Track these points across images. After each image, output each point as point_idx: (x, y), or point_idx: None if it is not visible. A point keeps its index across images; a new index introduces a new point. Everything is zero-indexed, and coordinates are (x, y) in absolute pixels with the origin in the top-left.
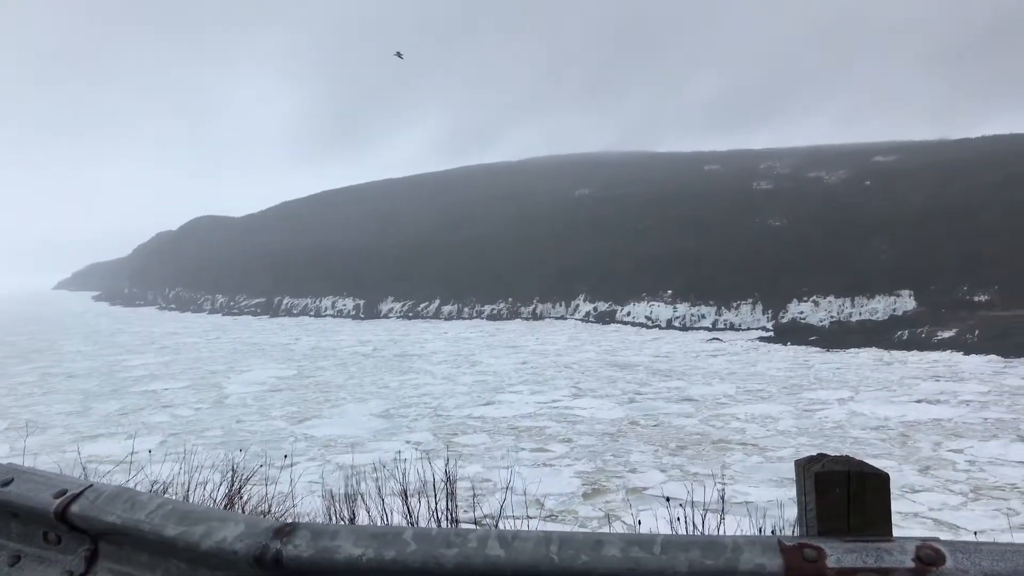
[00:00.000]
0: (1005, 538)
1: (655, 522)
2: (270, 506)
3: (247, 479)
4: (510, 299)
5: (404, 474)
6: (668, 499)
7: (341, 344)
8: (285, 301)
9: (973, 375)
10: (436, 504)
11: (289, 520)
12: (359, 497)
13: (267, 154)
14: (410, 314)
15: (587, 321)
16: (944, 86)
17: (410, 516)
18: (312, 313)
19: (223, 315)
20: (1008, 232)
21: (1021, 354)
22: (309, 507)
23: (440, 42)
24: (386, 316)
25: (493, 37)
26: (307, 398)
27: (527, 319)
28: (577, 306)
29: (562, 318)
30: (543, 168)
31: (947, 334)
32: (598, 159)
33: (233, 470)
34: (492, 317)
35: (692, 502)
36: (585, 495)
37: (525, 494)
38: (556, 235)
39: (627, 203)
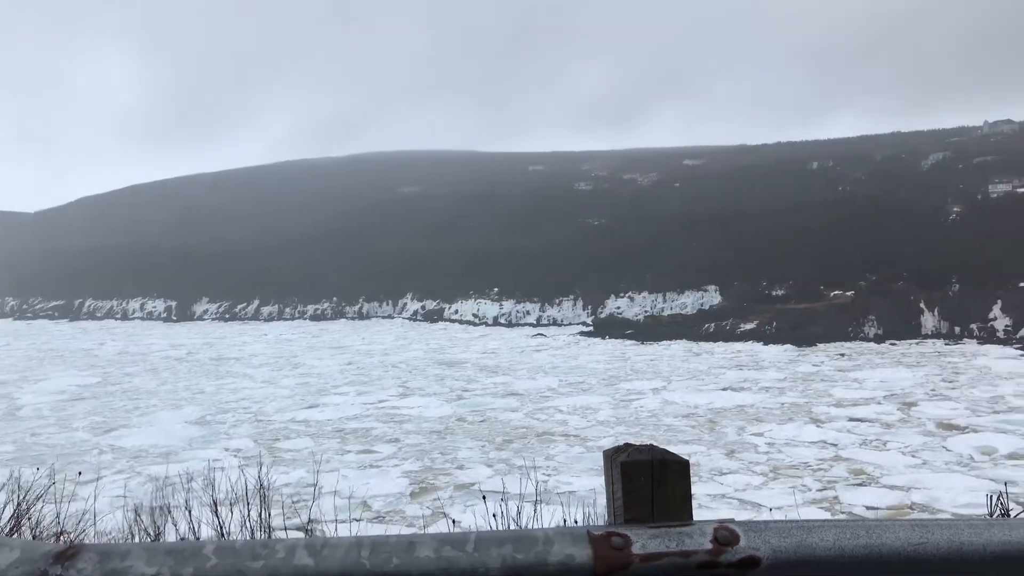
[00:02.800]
0: (806, 512)
1: (477, 519)
2: (62, 527)
3: (37, 498)
4: (335, 299)
5: (214, 483)
6: (484, 496)
7: (152, 348)
8: (88, 304)
9: (772, 363)
10: (249, 513)
11: (81, 541)
12: (166, 511)
13: (108, 140)
14: (227, 316)
15: (415, 320)
16: (815, 86)
17: (220, 528)
18: (119, 316)
19: (15, 319)
20: (801, 231)
21: (813, 343)
22: (111, 525)
23: (316, 24)
24: (201, 318)
25: (377, 20)
26: (114, 406)
27: (353, 319)
28: (404, 305)
29: (389, 317)
30: (370, 165)
31: (749, 326)
32: (426, 157)
33: (19, 488)
34: (316, 317)
35: (510, 495)
36: (413, 494)
37: (351, 497)
38: (382, 233)
39: (455, 201)
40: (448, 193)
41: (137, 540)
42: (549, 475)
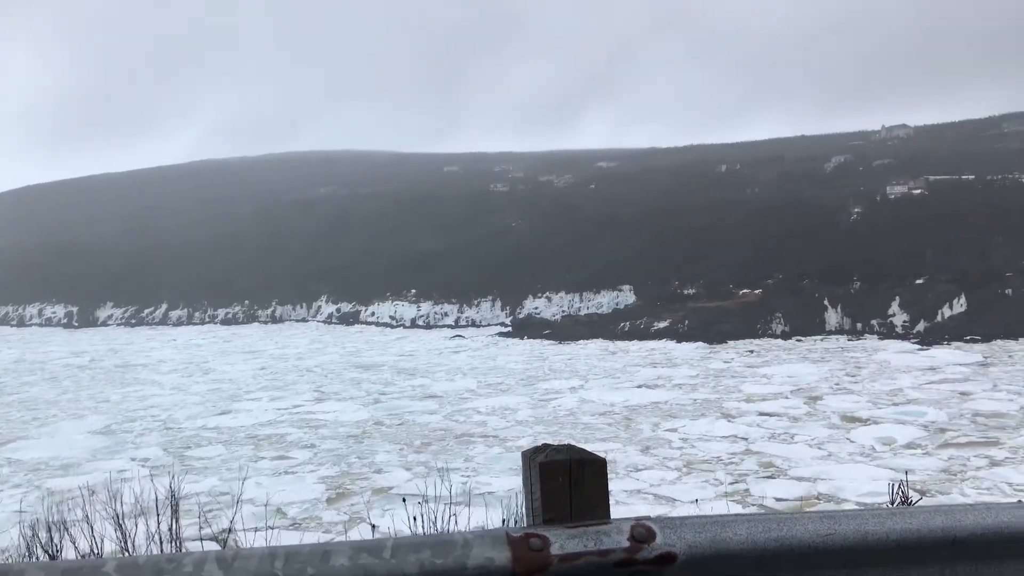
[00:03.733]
0: (719, 506)
1: (396, 524)
2: None
3: None
4: (247, 302)
5: (117, 495)
6: (404, 499)
7: (51, 356)
8: None
9: (685, 360)
10: (158, 525)
11: None
12: (65, 527)
13: (7, 138)
14: (133, 321)
15: (330, 323)
16: (739, 90)
17: (125, 543)
18: (14, 323)
19: None
20: (711, 231)
21: (723, 340)
22: (7, 543)
23: (259, 14)
24: (105, 324)
25: (326, 11)
26: (10, 417)
27: (266, 322)
28: (319, 308)
29: (304, 320)
30: (284, 165)
31: (662, 324)
32: (342, 157)
33: None
34: (227, 322)
35: (429, 498)
36: (329, 500)
37: (266, 505)
38: (296, 235)
39: (371, 202)
40: (364, 194)
41: (35, 559)
42: (468, 476)
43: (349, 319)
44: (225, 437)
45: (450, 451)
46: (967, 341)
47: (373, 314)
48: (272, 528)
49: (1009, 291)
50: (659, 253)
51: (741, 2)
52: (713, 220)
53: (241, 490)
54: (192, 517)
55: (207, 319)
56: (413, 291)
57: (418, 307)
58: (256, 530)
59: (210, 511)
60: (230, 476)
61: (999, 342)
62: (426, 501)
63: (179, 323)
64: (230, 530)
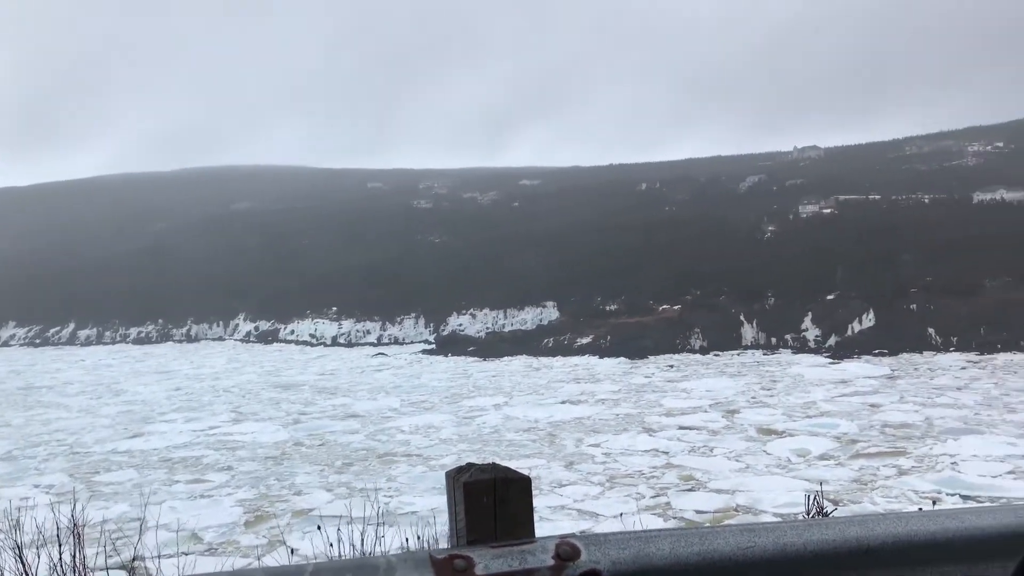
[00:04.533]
0: (644, 519)
1: (316, 547)
2: None
3: None
4: (160, 320)
5: (17, 524)
6: (320, 526)
7: None
8: None
9: (607, 376)
10: (61, 556)
11: None
12: None
13: None
14: (38, 341)
15: (248, 341)
16: (671, 111)
17: (26, 575)
18: None
19: None
20: (632, 249)
21: (644, 356)
22: None
23: (180, 26)
24: (7, 344)
25: (265, 20)
26: None
27: (180, 342)
28: (237, 326)
29: (220, 339)
30: (201, 180)
31: (585, 340)
32: (262, 172)
33: None
34: (139, 341)
35: (351, 520)
36: (248, 523)
37: (179, 530)
38: (213, 251)
39: (292, 218)
40: (284, 209)
41: None
42: (392, 497)
43: (268, 337)
44: (137, 461)
45: (373, 471)
46: (876, 355)
47: (293, 332)
48: (186, 554)
49: (914, 306)
50: (582, 270)
51: (687, 28)
52: (634, 237)
53: (144, 515)
54: (99, 546)
55: (118, 338)
56: (334, 308)
57: (340, 325)
58: (169, 557)
59: (119, 539)
60: (142, 501)
61: (905, 355)
62: (348, 524)
63: (88, 343)
64: (135, 558)
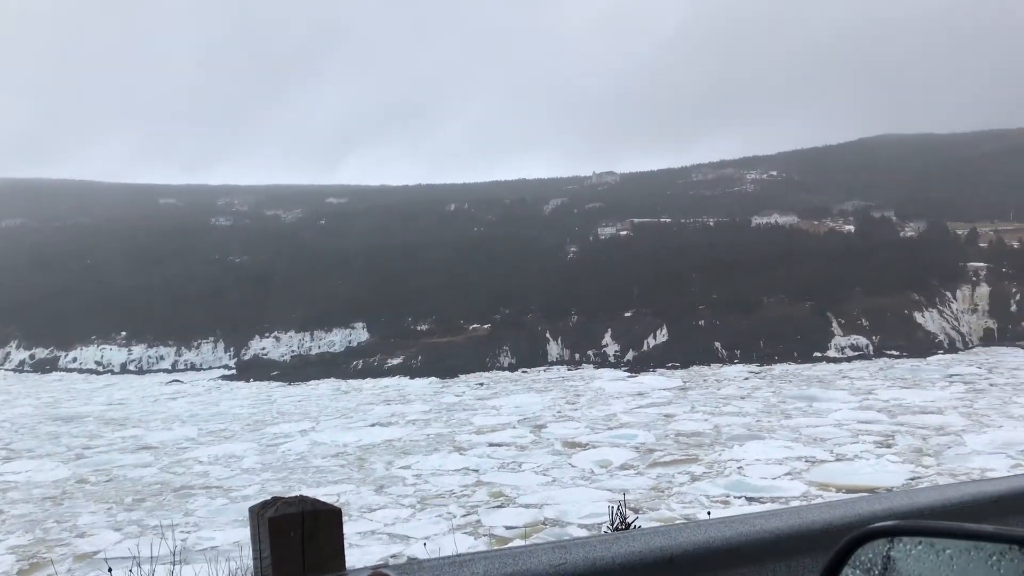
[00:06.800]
0: (457, 539)
1: None
2: None
3: None
4: None
5: None
6: (110, 570)
7: None
8: None
9: (418, 396)
10: None
11: None
12: None
13: None
14: None
15: (21, 371)
16: (518, 131)
17: None
18: None
19: None
20: (442, 269)
21: (455, 375)
22: None
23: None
24: None
25: (126, 21)
26: None
27: None
28: (8, 354)
29: None
30: None
31: (396, 361)
32: (39, 186)
33: None
34: None
35: (143, 559)
36: (21, 572)
37: None
38: None
39: (73, 236)
40: (62, 227)
41: None
42: (189, 532)
43: (46, 366)
44: None
45: (168, 506)
46: (669, 367)
47: (75, 360)
48: None
49: (702, 322)
50: (392, 290)
51: (552, 50)
52: (444, 257)
53: None
54: None
55: None
56: (123, 333)
57: (129, 351)
58: None
59: None
60: None
61: (695, 367)
62: (139, 564)
63: None
64: None
